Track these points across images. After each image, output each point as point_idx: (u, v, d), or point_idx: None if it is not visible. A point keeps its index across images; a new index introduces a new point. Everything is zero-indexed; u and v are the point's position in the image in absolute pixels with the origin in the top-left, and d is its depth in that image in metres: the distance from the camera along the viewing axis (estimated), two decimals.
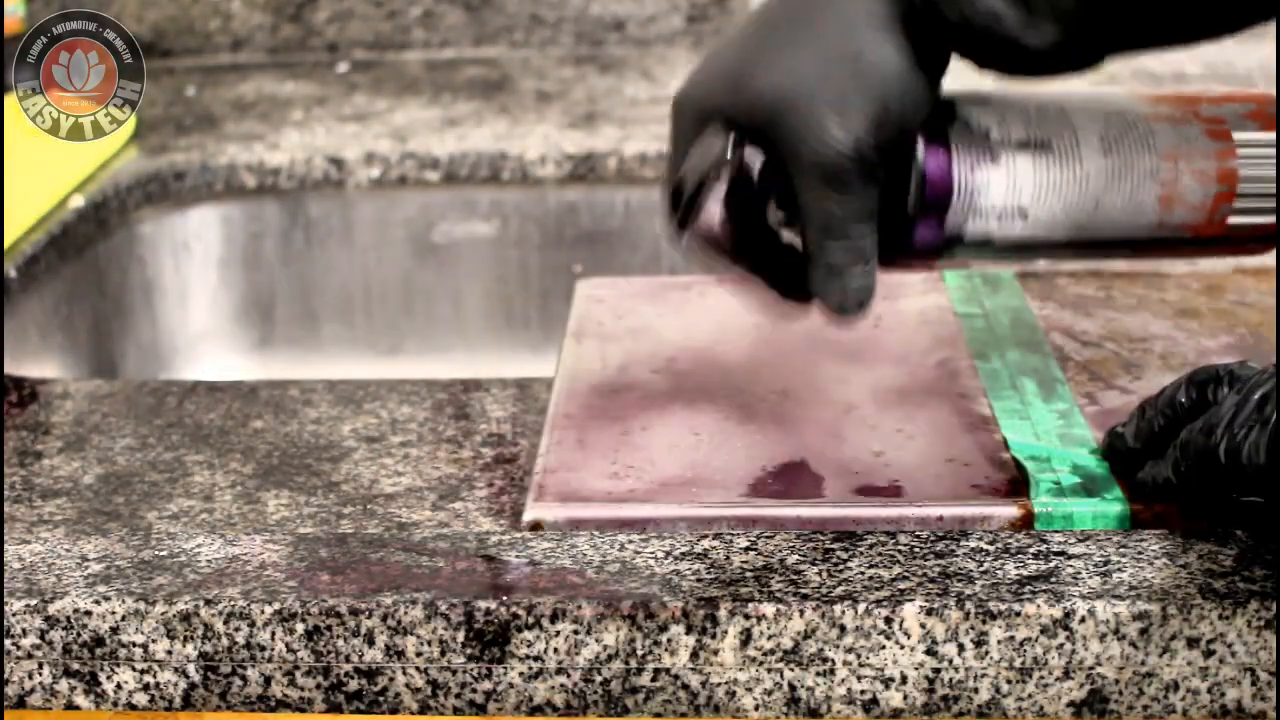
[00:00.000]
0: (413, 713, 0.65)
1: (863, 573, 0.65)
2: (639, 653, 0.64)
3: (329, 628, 0.64)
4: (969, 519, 0.68)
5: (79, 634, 0.65)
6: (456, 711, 0.65)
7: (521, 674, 0.65)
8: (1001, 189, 0.69)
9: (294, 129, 1.28)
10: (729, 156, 0.68)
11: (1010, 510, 0.68)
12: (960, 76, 0.70)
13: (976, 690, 0.64)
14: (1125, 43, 0.68)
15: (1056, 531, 0.68)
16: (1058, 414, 0.75)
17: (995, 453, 0.72)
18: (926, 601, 0.63)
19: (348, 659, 0.65)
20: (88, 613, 0.65)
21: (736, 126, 0.68)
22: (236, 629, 0.65)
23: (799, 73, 0.67)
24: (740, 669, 0.64)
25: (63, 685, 0.66)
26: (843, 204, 0.67)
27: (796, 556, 0.66)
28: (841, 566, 0.66)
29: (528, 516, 0.69)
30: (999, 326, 0.85)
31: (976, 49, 0.67)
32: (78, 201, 1.13)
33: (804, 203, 0.68)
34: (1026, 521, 0.68)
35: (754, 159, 0.68)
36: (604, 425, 0.76)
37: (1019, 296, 0.88)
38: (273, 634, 0.65)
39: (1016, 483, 0.70)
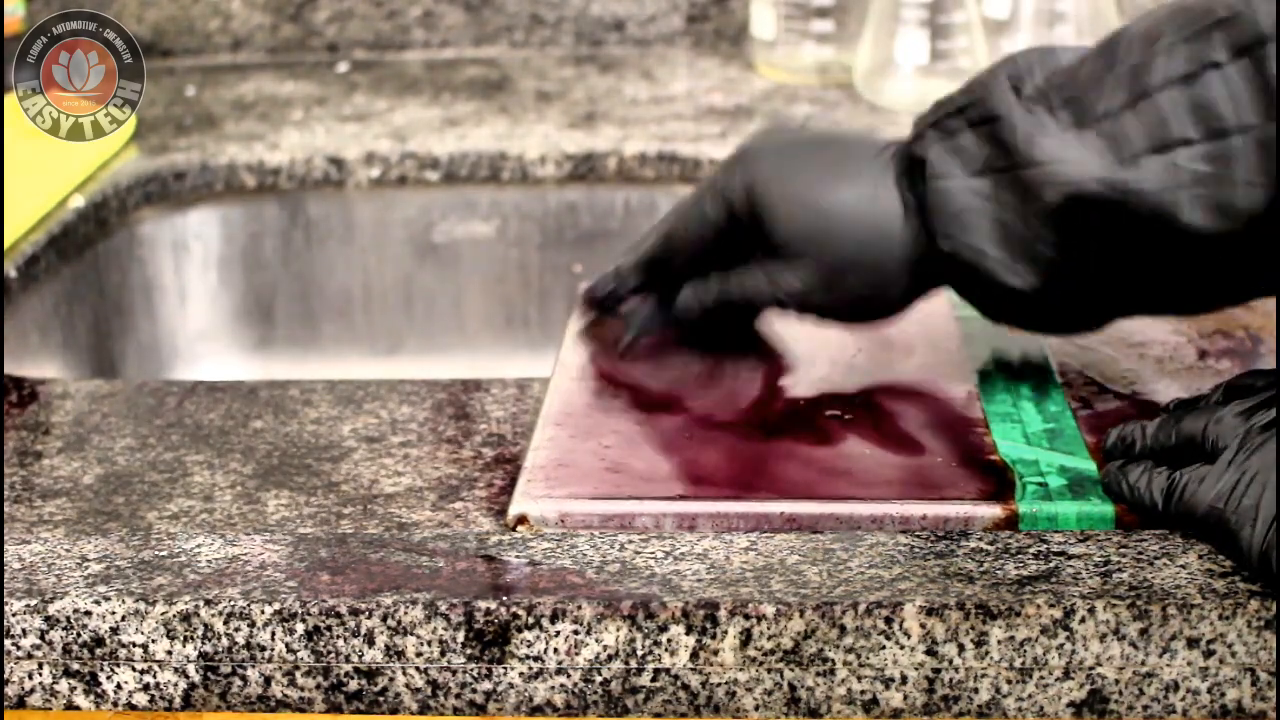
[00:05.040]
0: (413, 713, 0.65)
1: (863, 573, 0.65)
2: (639, 653, 0.64)
3: (329, 628, 0.64)
4: (953, 519, 0.68)
5: (79, 634, 0.65)
6: (456, 711, 0.65)
7: (521, 674, 0.65)
8: None
9: (294, 129, 1.28)
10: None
11: (994, 511, 0.68)
12: None
13: (976, 690, 0.64)
14: (1111, 307, 0.74)
15: (1057, 531, 0.68)
16: (1049, 417, 0.75)
17: (984, 454, 0.72)
18: (926, 601, 0.63)
19: (348, 659, 0.65)
20: (88, 613, 0.65)
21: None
22: (236, 629, 0.65)
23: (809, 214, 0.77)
24: (740, 669, 0.64)
25: (63, 685, 0.66)
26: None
27: (796, 557, 0.66)
28: (841, 566, 0.66)
29: (513, 510, 0.69)
30: (998, 330, 0.84)
31: (962, 282, 0.75)
32: (78, 201, 1.13)
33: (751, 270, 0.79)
34: (1010, 523, 0.68)
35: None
36: (597, 422, 0.76)
37: None
38: (273, 634, 0.65)
39: (1003, 485, 0.70)
